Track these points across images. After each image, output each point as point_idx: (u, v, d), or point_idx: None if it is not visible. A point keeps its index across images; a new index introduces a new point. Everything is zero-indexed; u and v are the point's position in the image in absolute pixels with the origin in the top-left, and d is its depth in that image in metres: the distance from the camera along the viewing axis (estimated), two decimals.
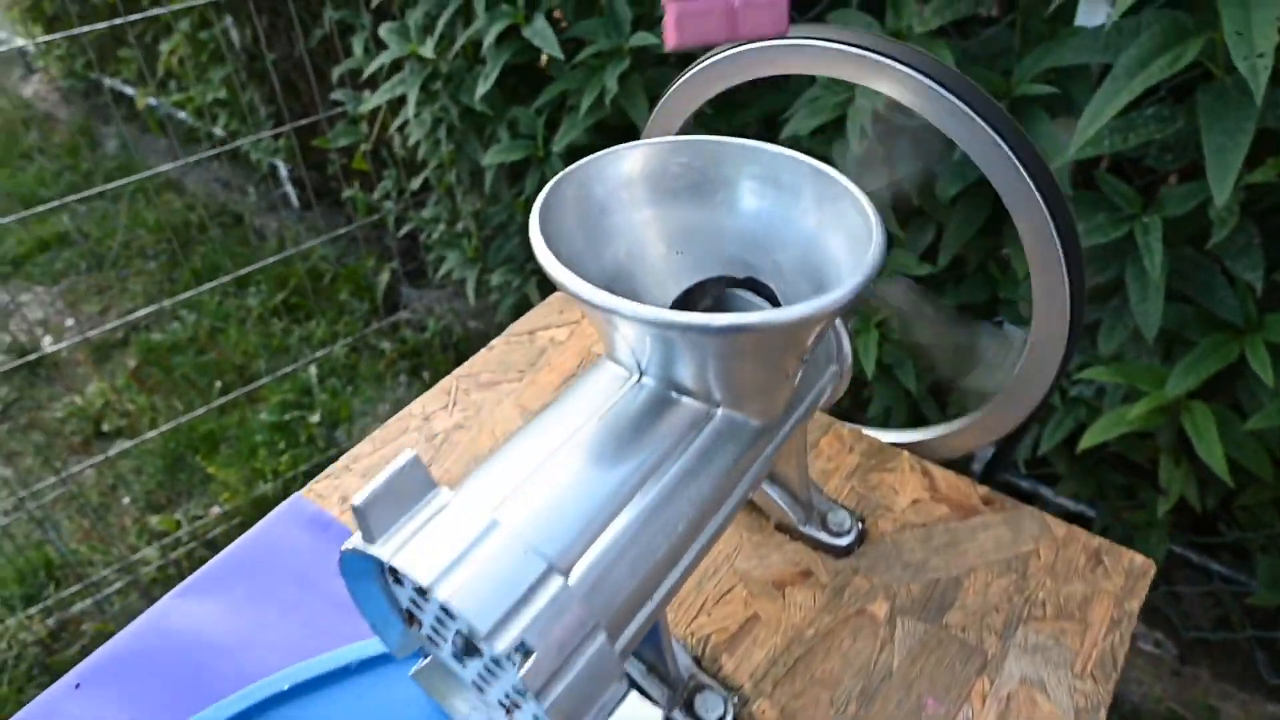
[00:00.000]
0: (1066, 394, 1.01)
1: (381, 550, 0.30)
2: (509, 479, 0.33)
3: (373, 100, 1.35)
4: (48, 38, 1.42)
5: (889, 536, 0.47)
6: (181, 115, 2.21)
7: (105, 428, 1.71)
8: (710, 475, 0.36)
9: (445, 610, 0.32)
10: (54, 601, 1.35)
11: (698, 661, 0.43)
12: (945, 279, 1.07)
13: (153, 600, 0.46)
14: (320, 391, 1.69)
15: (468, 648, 0.33)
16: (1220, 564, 1.18)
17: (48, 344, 1.88)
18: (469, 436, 0.54)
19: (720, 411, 0.37)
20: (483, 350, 0.60)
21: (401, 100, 1.43)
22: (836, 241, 0.38)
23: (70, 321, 1.97)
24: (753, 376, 0.36)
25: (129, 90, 2.32)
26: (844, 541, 0.47)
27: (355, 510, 0.30)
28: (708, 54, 0.48)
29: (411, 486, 0.32)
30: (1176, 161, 0.88)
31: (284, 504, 0.51)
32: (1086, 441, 0.94)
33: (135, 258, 2.11)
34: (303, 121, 1.57)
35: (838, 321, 0.44)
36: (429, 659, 0.38)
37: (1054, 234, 0.41)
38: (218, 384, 1.74)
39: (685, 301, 0.42)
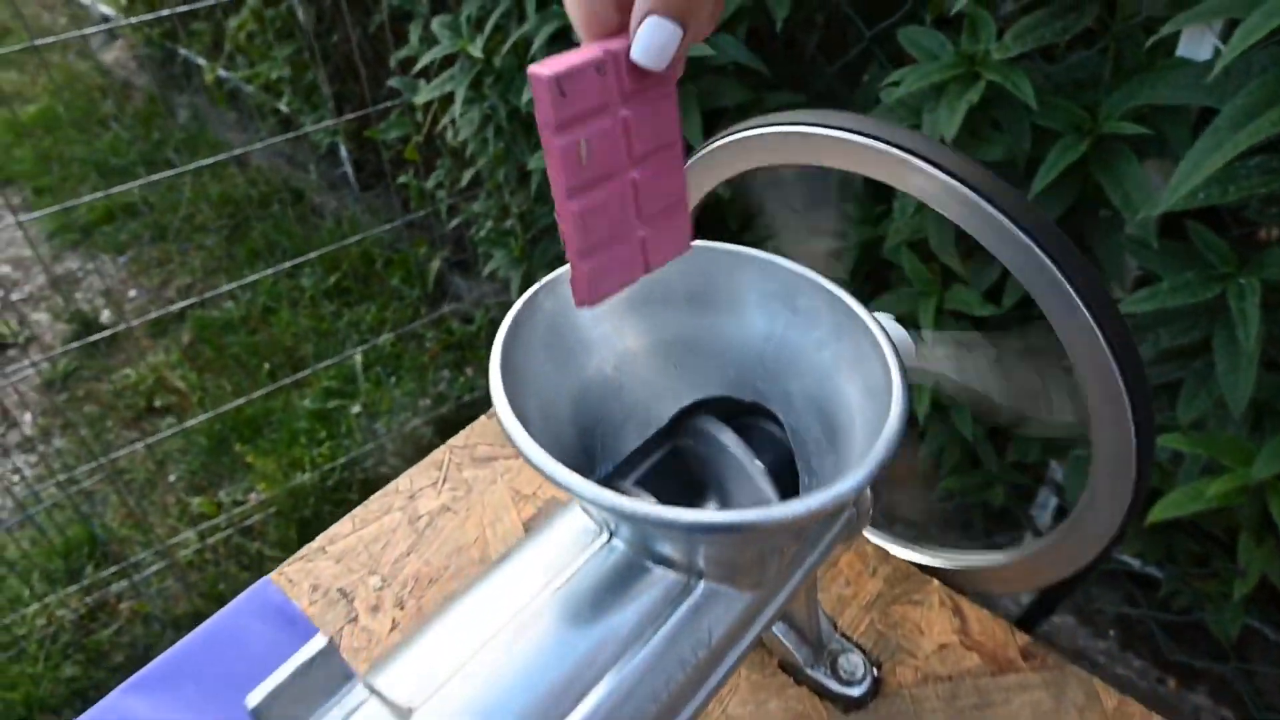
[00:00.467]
0: None
1: None
2: (440, 665, 0.28)
3: (425, 93, 1.31)
4: (134, 20, 1.41)
5: (908, 691, 0.41)
6: (249, 89, 2.21)
7: (156, 403, 1.72)
8: (688, 658, 0.31)
9: None
10: (92, 580, 1.37)
11: None
12: (1010, 320, 0.99)
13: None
14: (364, 380, 1.67)
15: None
16: None
17: (105, 316, 1.90)
18: (456, 521, 0.50)
19: (702, 584, 0.31)
20: (481, 417, 0.55)
21: (453, 95, 1.39)
22: (853, 386, 0.32)
23: (133, 293, 2.00)
24: (742, 556, 0.30)
25: (201, 61, 2.33)
26: (855, 692, 0.41)
27: (251, 714, 0.26)
28: (719, 135, 0.42)
29: (323, 680, 0.27)
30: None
31: (251, 588, 0.47)
32: (1158, 515, 0.86)
33: (196, 231, 2.12)
34: (356, 114, 1.54)
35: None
36: None
37: (1120, 384, 0.34)
38: (266, 366, 1.74)
39: (679, 420, 0.36)
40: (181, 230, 2.12)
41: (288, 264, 1.51)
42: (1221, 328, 0.78)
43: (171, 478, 1.59)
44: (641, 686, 0.29)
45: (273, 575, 0.48)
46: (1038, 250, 0.34)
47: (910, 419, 0.29)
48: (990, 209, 0.35)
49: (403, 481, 0.52)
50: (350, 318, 1.83)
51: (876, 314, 0.38)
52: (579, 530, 0.32)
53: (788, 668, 0.42)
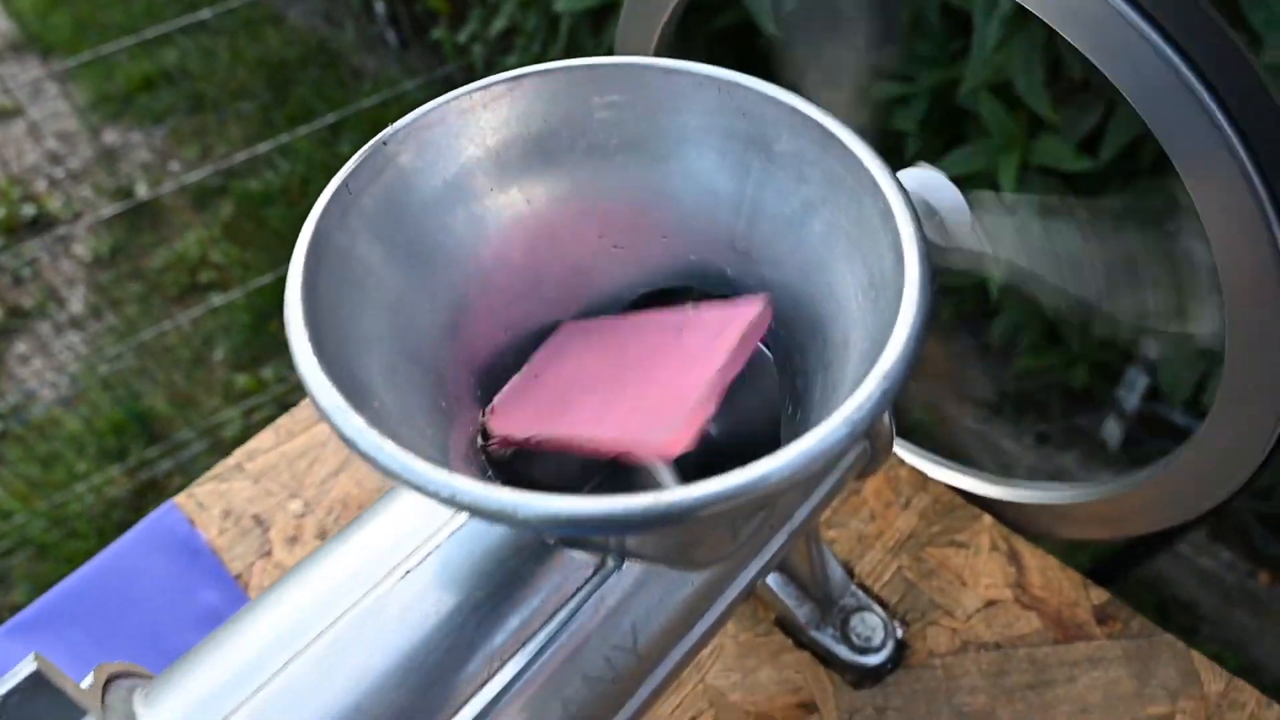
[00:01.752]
0: None
1: None
2: (238, 681, 0.20)
3: None
4: None
5: (940, 662, 0.32)
6: None
7: (201, 279, 1.69)
8: (593, 673, 0.21)
9: None
10: (138, 461, 1.37)
11: None
12: (1109, 176, 0.83)
13: None
14: None
15: None
16: None
17: (144, 190, 1.86)
18: None
19: (625, 567, 0.22)
20: None
21: None
22: (853, 272, 0.21)
23: (174, 165, 1.94)
24: (680, 539, 0.20)
25: None
26: (872, 661, 0.32)
27: None
28: None
29: (43, 714, 0.19)
30: None
31: (154, 513, 0.40)
32: None
33: (234, 98, 2.04)
34: None
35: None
36: None
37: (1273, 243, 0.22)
38: None
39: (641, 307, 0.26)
40: (220, 98, 2.04)
41: (330, 118, 1.41)
42: None
43: (219, 354, 1.57)
44: (525, 712, 0.20)
45: (178, 498, 0.40)
46: (1182, 66, 0.22)
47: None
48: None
49: None
50: None
51: (913, 169, 0.26)
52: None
53: (786, 626, 0.33)
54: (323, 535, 0.38)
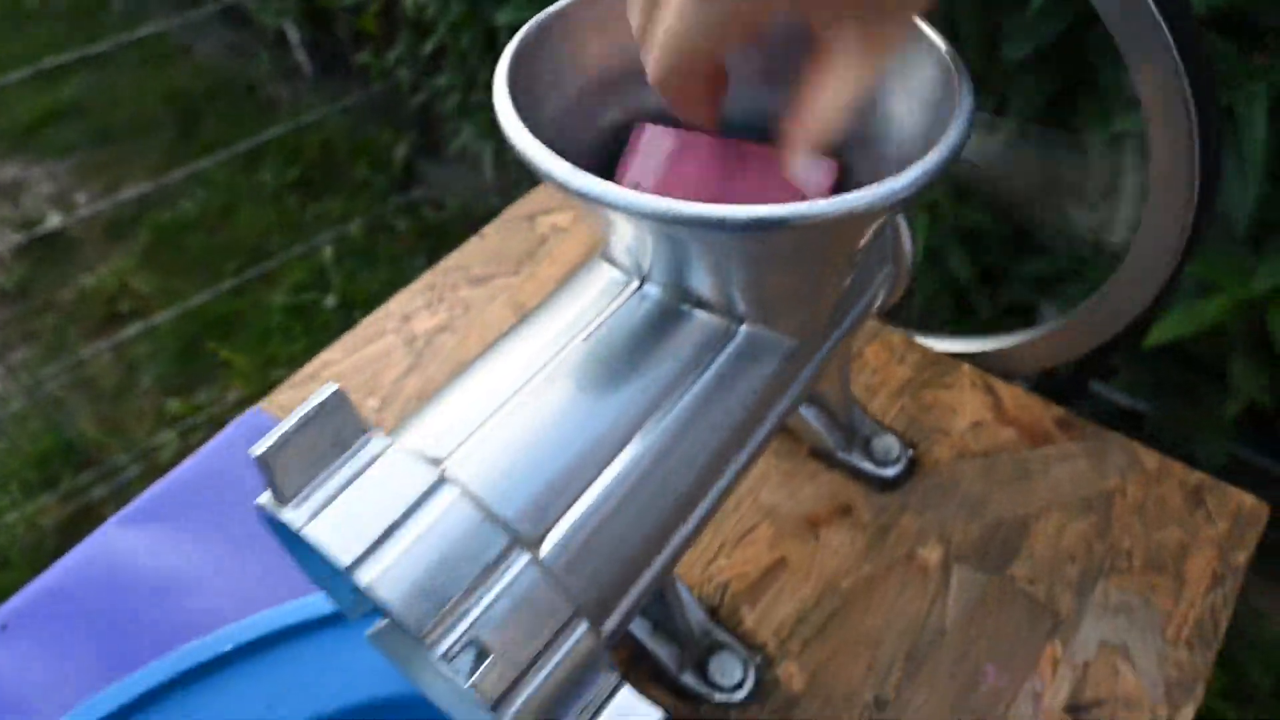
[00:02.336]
0: None
1: (293, 516, 0.23)
2: (466, 419, 0.26)
3: None
4: None
5: (944, 467, 0.40)
6: None
7: (122, 309, 1.66)
8: (732, 409, 0.28)
9: None
10: (71, 487, 1.34)
11: (713, 614, 0.36)
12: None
13: None
14: (336, 273, 1.62)
15: None
16: None
17: (55, 221, 1.81)
18: (455, 340, 0.46)
19: (744, 328, 0.29)
20: (474, 238, 0.52)
21: None
22: (900, 101, 0.28)
23: (82, 197, 1.90)
24: (788, 286, 0.27)
25: None
26: (890, 472, 0.39)
27: (259, 462, 0.23)
28: None
29: (335, 429, 0.24)
30: None
31: (240, 418, 0.44)
32: (1156, 337, 0.85)
33: (145, 130, 2.01)
34: None
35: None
36: (387, 620, 0.32)
37: (1184, 84, 0.31)
38: (231, 264, 1.67)
39: None
40: (128, 129, 2.01)
41: (242, 146, 1.43)
42: (1227, 139, 0.75)
43: (144, 382, 1.54)
44: (682, 439, 0.27)
45: (262, 404, 0.45)
46: None
47: None
48: None
49: (393, 304, 0.49)
50: (316, 210, 1.76)
51: None
52: (607, 281, 0.29)
53: (819, 454, 0.40)
54: None
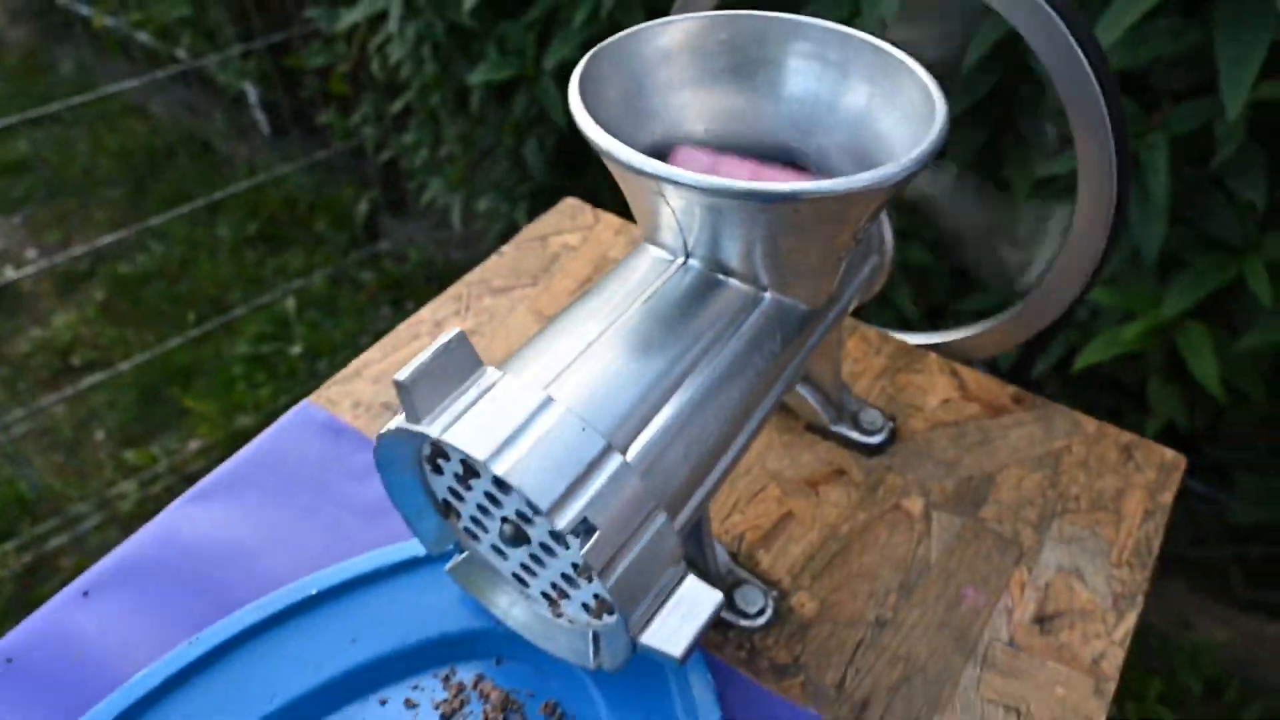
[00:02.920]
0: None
1: (430, 428, 0.29)
2: (556, 359, 0.32)
3: (351, 15, 1.29)
4: None
5: (920, 435, 0.47)
6: (143, 37, 2.11)
7: (75, 361, 1.66)
8: (760, 359, 0.35)
9: (500, 486, 0.30)
10: (30, 537, 1.33)
11: (734, 558, 0.42)
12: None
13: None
14: (299, 324, 1.65)
15: (515, 536, 0.32)
16: (1201, 484, 1.20)
17: (10, 273, 1.81)
18: (484, 343, 0.52)
19: (768, 295, 0.36)
20: (493, 256, 0.58)
21: (382, 17, 1.38)
22: (889, 120, 0.36)
23: (32, 252, 1.90)
24: (803, 256, 0.34)
25: (84, 10, 2.21)
26: (876, 440, 0.46)
27: (399, 386, 0.29)
28: None
29: (457, 364, 0.30)
30: (1182, 80, 0.86)
31: (291, 411, 0.49)
32: (1081, 362, 0.95)
33: (98, 185, 2.03)
34: (273, 37, 1.50)
35: (882, 214, 0.42)
36: (465, 554, 0.37)
37: (1103, 110, 0.39)
38: (191, 315, 1.69)
39: None
40: (82, 185, 2.03)
41: (201, 202, 1.47)
42: (1134, 184, 0.86)
43: (99, 434, 1.54)
44: (726, 381, 0.34)
45: (311, 398, 0.50)
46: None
47: None
48: None
49: (425, 312, 0.54)
50: (276, 265, 1.80)
51: None
52: (654, 259, 0.36)
53: (814, 429, 0.47)
54: None
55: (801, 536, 0.43)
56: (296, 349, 1.61)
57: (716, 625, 0.40)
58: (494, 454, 0.28)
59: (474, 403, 0.29)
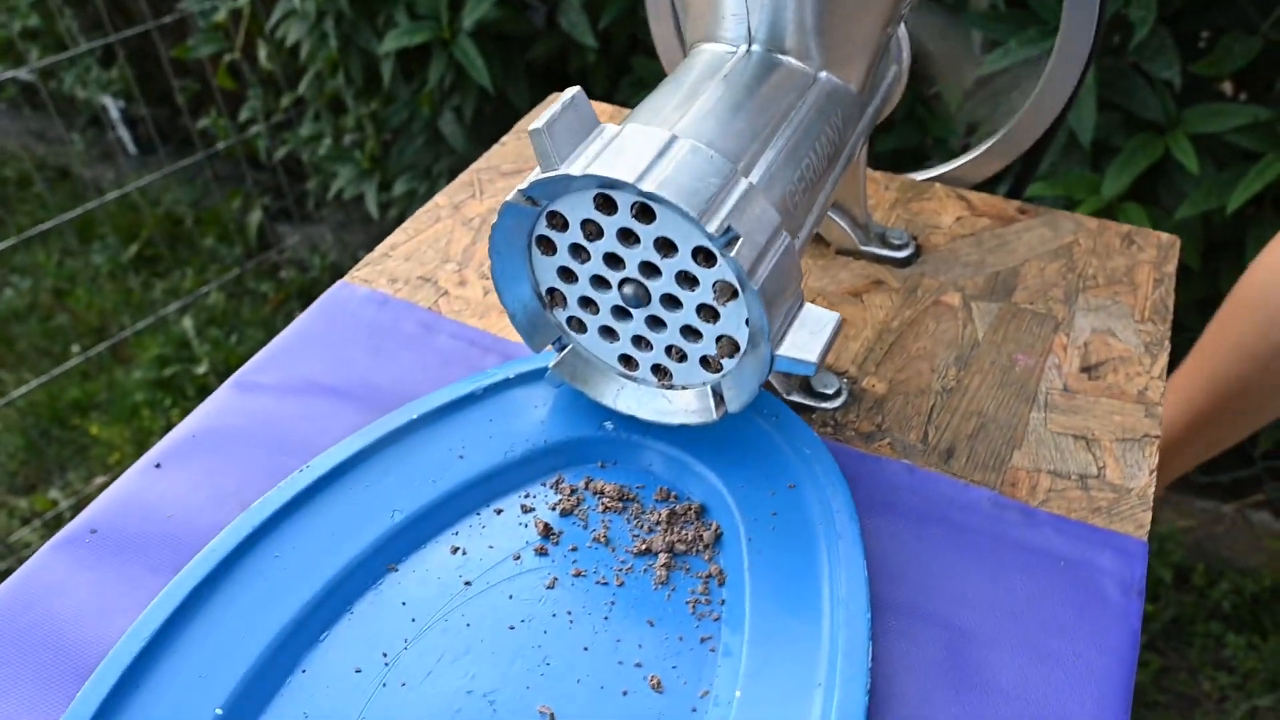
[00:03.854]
0: None
1: (570, 168, 0.33)
2: (663, 119, 0.36)
3: None
4: None
5: (943, 247, 0.53)
6: None
7: None
8: (829, 130, 0.40)
9: (640, 217, 0.34)
10: None
11: None
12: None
13: None
14: (201, 343, 1.62)
15: (636, 296, 0.36)
16: None
17: None
18: None
19: (823, 74, 0.41)
20: (495, 146, 0.62)
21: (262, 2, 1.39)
22: None
23: None
24: (856, 28, 0.40)
25: None
26: (904, 254, 0.52)
27: (536, 134, 0.33)
28: None
29: (580, 120, 0.34)
30: None
31: (328, 292, 0.52)
32: None
33: None
34: (131, 31, 1.48)
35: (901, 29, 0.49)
36: (566, 350, 0.41)
37: None
38: (75, 349, 1.64)
39: None
40: None
41: (49, 223, 1.41)
42: None
43: None
44: (804, 144, 0.39)
45: (346, 279, 0.53)
46: None
47: None
48: None
49: (440, 198, 0.58)
50: (165, 287, 1.76)
51: None
52: (720, 51, 0.41)
53: (845, 251, 0.53)
54: (485, 276, 0.52)
55: (857, 335, 0.48)
56: (202, 368, 1.58)
57: (800, 409, 0.45)
58: (640, 176, 0.32)
59: (607, 145, 0.34)
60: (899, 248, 0.53)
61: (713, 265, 0.34)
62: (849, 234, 0.52)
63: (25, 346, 1.66)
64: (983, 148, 0.57)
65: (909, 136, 1.15)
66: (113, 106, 1.93)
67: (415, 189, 1.42)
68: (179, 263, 1.80)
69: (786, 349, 0.34)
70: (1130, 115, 1.00)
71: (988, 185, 0.59)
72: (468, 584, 0.37)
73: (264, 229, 1.83)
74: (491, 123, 1.34)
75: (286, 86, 1.56)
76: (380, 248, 0.55)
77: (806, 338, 0.35)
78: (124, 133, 1.98)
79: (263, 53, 1.53)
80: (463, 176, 0.60)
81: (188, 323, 1.65)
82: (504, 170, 0.60)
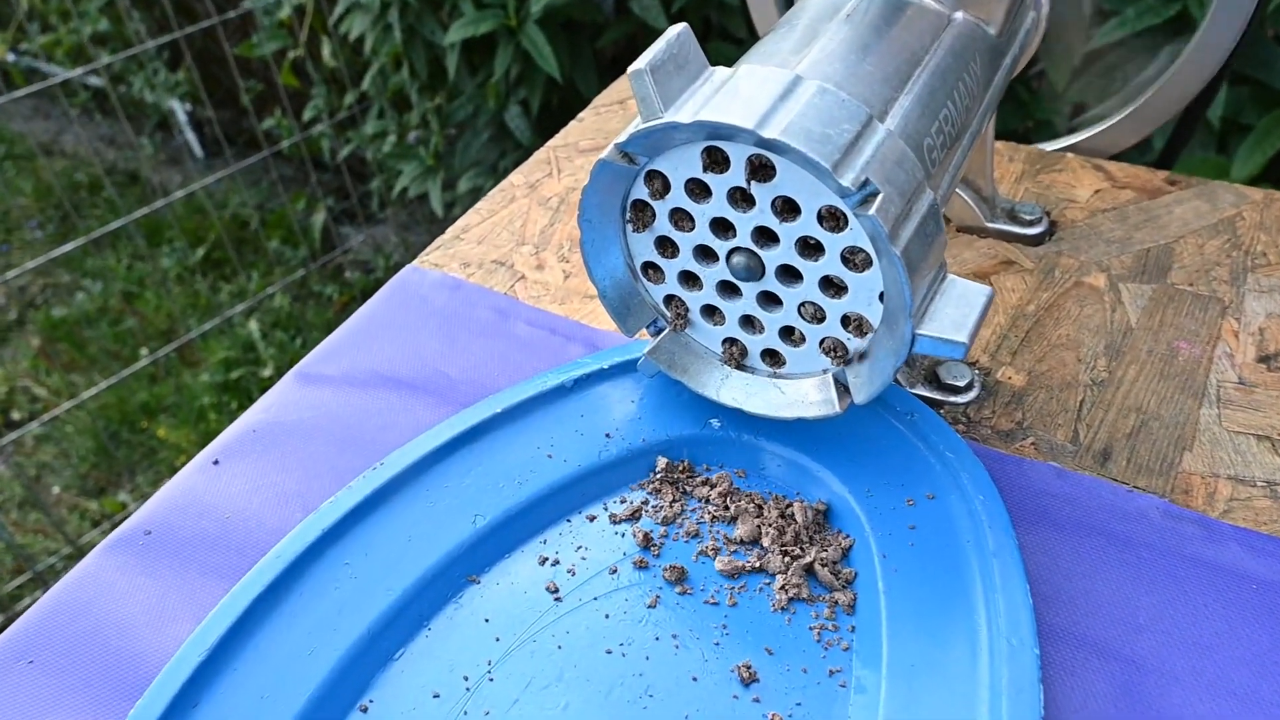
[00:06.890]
0: None
1: (678, 115, 0.29)
2: (783, 60, 0.32)
3: None
4: None
5: (1081, 223, 0.48)
6: (46, 67, 2.09)
7: (15, 415, 1.61)
8: (968, 77, 0.36)
9: (757, 173, 0.30)
10: (4, 594, 1.27)
11: None
12: None
13: None
14: (266, 345, 1.62)
15: (749, 268, 0.32)
16: None
17: None
18: None
19: (959, 15, 0.37)
20: (571, 123, 0.58)
21: None
22: None
23: None
24: None
25: None
26: (1037, 230, 0.47)
27: (636, 76, 0.29)
28: None
29: (688, 59, 0.30)
30: None
31: (395, 277, 0.49)
32: None
33: (15, 229, 1.99)
34: (195, 28, 1.49)
35: None
36: (662, 334, 0.37)
37: None
38: (143, 352, 1.66)
39: None
40: None
41: (115, 224, 1.41)
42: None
43: (55, 488, 1.49)
44: (941, 89, 0.34)
45: (415, 263, 0.49)
46: None
47: None
48: None
49: (515, 177, 0.54)
50: (231, 290, 1.77)
51: None
52: None
53: (968, 229, 0.48)
54: (565, 259, 0.49)
55: (989, 321, 0.43)
56: (268, 371, 1.58)
57: (928, 404, 0.40)
58: (760, 121, 0.28)
59: (719, 89, 0.30)
60: (1030, 223, 0.47)
61: (841, 229, 0.30)
62: (973, 208, 0.47)
63: (96, 350, 1.69)
64: (1125, 112, 0.51)
65: (1009, 119, 1.09)
66: (180, 109, 1.96)
67: (480, 185, 1.40)
68: (245, 265, 1.81)
69: (931, 327, 0.30)
70: (1263, 88, 0.92)
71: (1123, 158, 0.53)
72: (558, 600, 0.33)
73: (328, 230, 1.83)
74: (559, 115, 1.31)
75: (350, 83, 1.55)
76: (452, 230, 0.51)
77: (953, 315, 0.30)
78: (190, 136, 2.01)
79: (326, 49, 1.53)
80: (538, 154, 0.56)
81: (253, 325, 1.66)
82: (582, 147, 0.56)
